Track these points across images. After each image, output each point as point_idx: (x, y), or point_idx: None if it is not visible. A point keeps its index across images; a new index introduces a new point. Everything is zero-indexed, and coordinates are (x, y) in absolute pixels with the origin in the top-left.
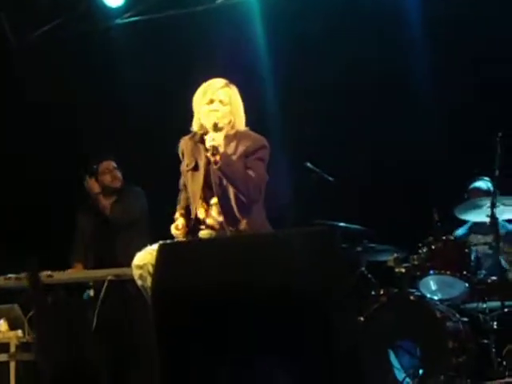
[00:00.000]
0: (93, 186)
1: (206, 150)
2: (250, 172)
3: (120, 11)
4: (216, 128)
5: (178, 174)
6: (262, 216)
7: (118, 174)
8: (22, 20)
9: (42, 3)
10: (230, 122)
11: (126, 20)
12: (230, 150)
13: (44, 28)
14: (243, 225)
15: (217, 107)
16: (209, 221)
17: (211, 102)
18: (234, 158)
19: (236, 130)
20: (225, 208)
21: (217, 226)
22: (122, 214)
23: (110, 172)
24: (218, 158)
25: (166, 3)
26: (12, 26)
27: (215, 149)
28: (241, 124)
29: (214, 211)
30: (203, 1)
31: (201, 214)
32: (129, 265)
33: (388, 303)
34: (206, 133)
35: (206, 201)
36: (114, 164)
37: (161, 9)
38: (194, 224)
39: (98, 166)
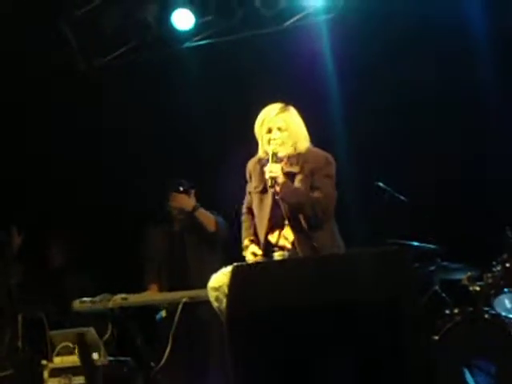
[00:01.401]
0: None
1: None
2: (317, 193)
3: (189, 35)
4: (274, 158)
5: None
6: (333, 231)
7: None
8: (92, 45)
9: (111, 28)
10: (292, 145)
11: (196, 43)
12: (296, 170)
13: (115, 53)
14: (315, 241)
15: (275, 135)
16: (281, 241)
17: (269, 130)
18: (299, 179)
19: (300, 151)
20: (296, 229)
21: (289, 246)
22: (224, 230)
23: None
24: (277, 189)
25: (233, 27)
26: (82, 50)
27: (273, 180)
28: (303, 143)
29: (286, 231)
30: (270, 24)
31: (272, 238)
32: (202, 284)
33: (463, 322)
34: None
35: (276, 223)
36: None
37: (229, 32)
38: (265, 248)
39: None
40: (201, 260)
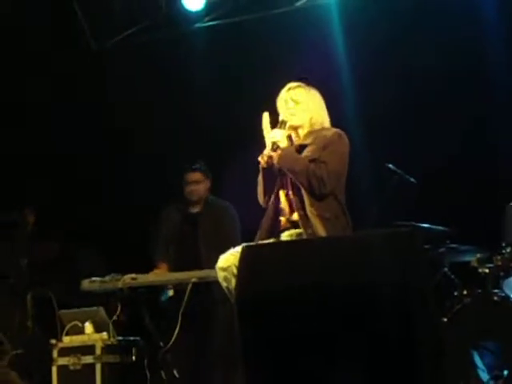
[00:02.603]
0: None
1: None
2: (319, 165)
3: (199, 15)
4: (281, 124)
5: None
6: (336, 211)
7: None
8: (102, 25)
9: (121, 9)
10: (309, 120)
11: (206, 24)
12: (308, 142)
13: (124, 33)
14: (320, 210)
15: (289, 105)
16: (283, 220)
17: (286, 102)
18: (308, 150)
19: (314, 127)
20: (298, 204)
21: (288, 225)
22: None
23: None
24: (277, 153)
25: (244, 7)
26: (92, 30)
27: (275, 144)
28: (320, 121)
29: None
30: (282, 4)
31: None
32: (211, 267)
33: (471, 304)
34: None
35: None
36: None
37: (240, 12)
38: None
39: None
40: (212, 244)
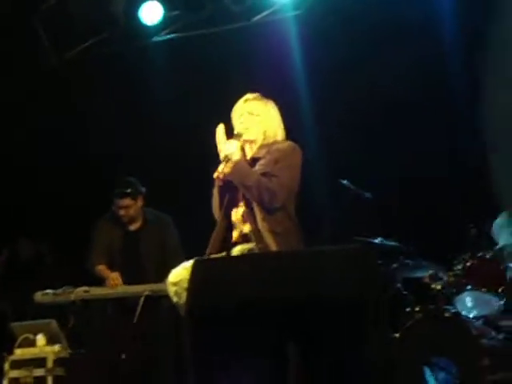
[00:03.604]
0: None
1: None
2: (270, 180)
3: (157, 29)
4: (236, 137)
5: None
6: (288, 225)
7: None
8: (61, 37)
9: (80, 21)
10: (263, 133)
11: (163, 37)
12: (260, 156)
13: (83, 45)
14: (267, 236)
15: (245, 118)
16: (235, 234)
17: (241, 115)
18: (260, 164)
19: (268, 141)
20: (249, 218)
21: (239, 240)
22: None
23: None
24: (229, 166)
25: (201, 21)
26: (51, 43)
27: (226, 157)
28: (274, 135)
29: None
30: (238, 19)
31: (234, 216)
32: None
33: (423, 320)
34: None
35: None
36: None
37: (197, 27)
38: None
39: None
40: (155, 259)
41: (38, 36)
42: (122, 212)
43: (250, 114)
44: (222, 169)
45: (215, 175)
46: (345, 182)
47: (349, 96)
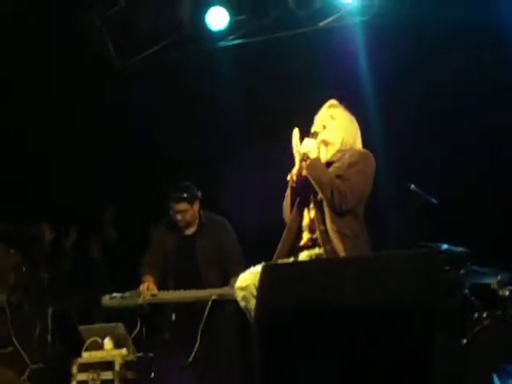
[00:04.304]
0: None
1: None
2: (343, 182)
3: (223, 34)
4: (313, 135)
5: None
6: (356, 229)
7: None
8: (125, 43)
9: (145, 26)
10: (341, 139)
11: (229, 43)
12: (337, 163)
13: (148, 51)
14: (339, 227)
15: (326, 120)
16: (302, 242)
17: (323, 117)
18: (334, 167)
19: (345, 147)
20: (319, 219)
21: (309, 243)
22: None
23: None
24: (307, 163)
25: (267, 26)
26: (116, 48)
27: (305, 155)
28: (351, 142)
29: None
30: (304, 24)
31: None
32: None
33: (491, 326)
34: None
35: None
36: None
37: (263, 32)
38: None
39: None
40: (212, 263)
41: (104, 41)
42: (178, 217)
43: (332, 118)
44: (298, 168)
45: (289, 176)
46: (412, 186)
47: (415, 101)
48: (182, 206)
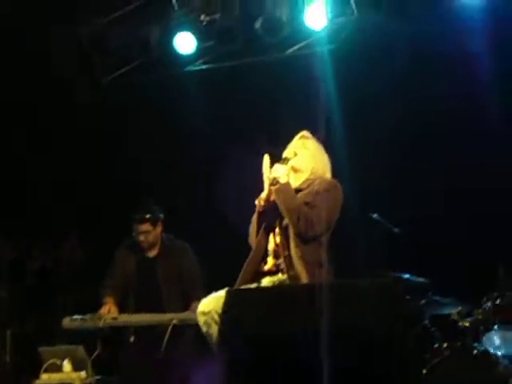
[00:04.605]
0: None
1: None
2: (310, 209)
3: (191, 59)
4: (284, 161)
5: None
6: (320, 257)
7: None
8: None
9: (118, 47)
10: (311, 168)
11: (197, 67)
12: (305, 190)
13: (117, 72)
14: (303, 254)
15: (298, 148)
16: (266, 267)
17: (294, 146)
18: (303, 193)
19: (316, 176)
20: (284, 245)
21: (273, 269)
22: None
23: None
24: (276, 187)
25: (235, 52)
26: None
27: (275, 179)
28: (322, 172)
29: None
30: (272, 51)
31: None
32: (173, 310)
33: (451, 356)
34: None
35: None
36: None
37: (231, 57)
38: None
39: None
40: (173, 287)
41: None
42: (141, 237)
43: (304, 147)
44: (267, 192)
45: (257, 201)
46: (375, 215)
47: (381, 130)
48: (145, 226)
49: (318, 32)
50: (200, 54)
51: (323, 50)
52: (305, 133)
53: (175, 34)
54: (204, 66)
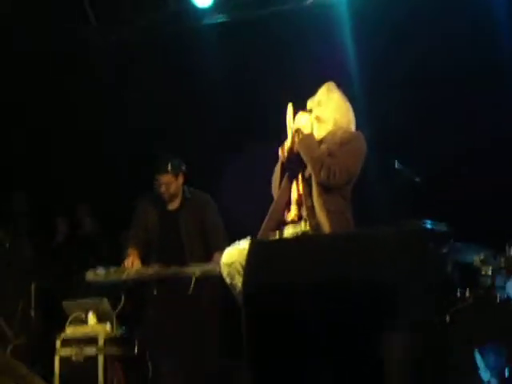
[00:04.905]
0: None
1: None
2: (333, 159)
3: (209, 11)
4: (308, 110)
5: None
6: (342, 206)
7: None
8: (109, 18)
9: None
10: (334, 118)
11: (214, 21)
12: (329, 141)
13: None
14: (320, 212)
15: (322, 99)
16: (289, 216)
17: (319, 96)
18: (326, 143)
19: (337, 127)
20: (306, 194)
21: (296, 218)
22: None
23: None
24: (300, 137)
25: (252, 3)
26: (99, 24)
27: (298, 129)
28: (346, 124)
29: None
30: (291, 0)
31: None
32: (195, 263)
33: (474, 304)
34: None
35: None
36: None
37: (248, 9)
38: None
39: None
40: (195, 239)
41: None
42: (162, 189)
43: (328, 98)
44: (290, 142)
45: (280, 150)
46: (397, 164)
47: (400, 75)
48: (167, 177)
49: None
50: (218, 6)
51: None
52: (330, 84)
53: None
54: (222, 19)
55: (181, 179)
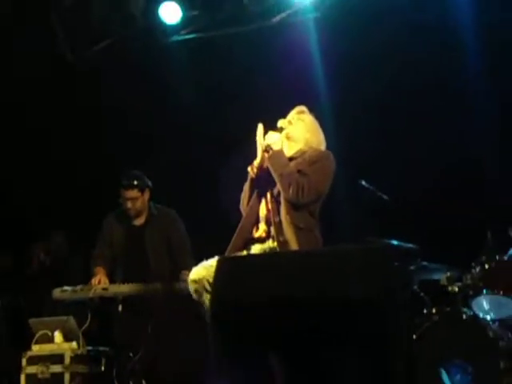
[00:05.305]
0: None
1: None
2: (302, 177)
3: (176, 29)
4: (278, 129)
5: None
6: (310, 224)
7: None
8: (79, 36)
9: (99, 19)
10: (305, 138)
11: (183, 37)
12: (299, 159)
13: (101, 44)
14: (295, 219)
15: (293, 119)
16: (257, 233)
17: (290, 116)
18: (296, 162)
19: (310, 147)
20: (275, 210)
21: (264, 235)
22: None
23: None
24: (269, 154)
25: (221, 22)
26: (69, 42)
27: (269, 147)
28: (316, 144)
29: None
30: (258, 20)
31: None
32: (161, 280)
33: (440, 322)
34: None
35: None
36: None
37: (216, 27)
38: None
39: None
40: (161, 255)
41: (55, 33)
42: (128, 204)
43: (299, 119)
44: (260, 159)
45: (249, 168)
46: (363, 182)
47: (368, 97)
48: (133, 193)
49: (303, 1)
50: (186, 23)
51: (308, 18)
52: (301, 107)
53: (160, 3)
54: (190, 36)
55: (147, 195)
